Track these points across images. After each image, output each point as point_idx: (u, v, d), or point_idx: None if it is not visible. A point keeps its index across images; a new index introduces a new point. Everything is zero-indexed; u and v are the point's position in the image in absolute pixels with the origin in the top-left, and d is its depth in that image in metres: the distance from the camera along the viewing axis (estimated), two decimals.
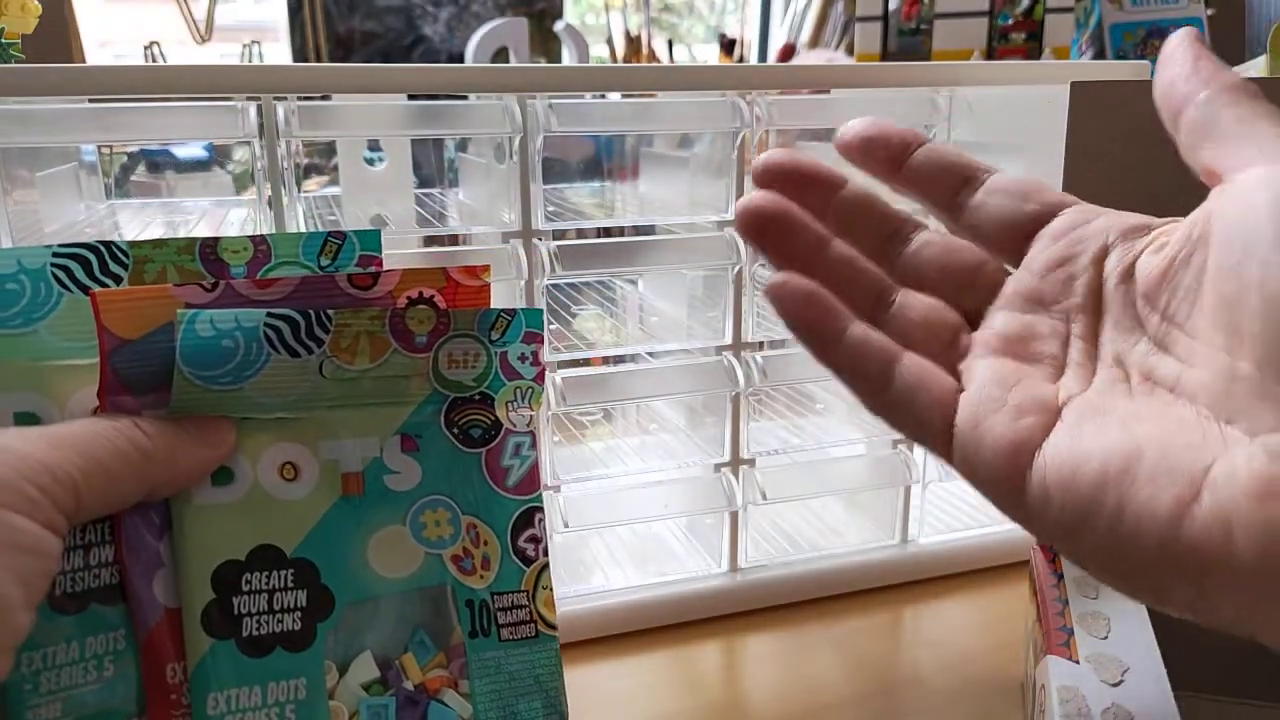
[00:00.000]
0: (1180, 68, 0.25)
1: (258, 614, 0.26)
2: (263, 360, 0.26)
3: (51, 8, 0.57)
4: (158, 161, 0.80)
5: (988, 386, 0.25)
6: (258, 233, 0.28)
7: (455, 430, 0.29)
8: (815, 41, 1.19)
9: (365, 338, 0.28)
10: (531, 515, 0.30)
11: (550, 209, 0.49)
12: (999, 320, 0.27)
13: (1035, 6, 0.97)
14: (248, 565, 0.26)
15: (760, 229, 0.29)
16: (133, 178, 0.78)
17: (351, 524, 0.28)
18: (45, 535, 0.21)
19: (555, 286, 0.48)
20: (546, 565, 0.30)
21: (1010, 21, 0.98)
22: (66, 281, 0.26)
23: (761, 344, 0.52)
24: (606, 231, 0.50)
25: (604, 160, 0.80)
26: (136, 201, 0.66)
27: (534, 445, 0.30)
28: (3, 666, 0.20)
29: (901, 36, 1.02)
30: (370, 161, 0.59)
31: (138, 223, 0.58)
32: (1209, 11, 0.94)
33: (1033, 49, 0.98)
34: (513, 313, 0.30)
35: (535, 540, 0.30)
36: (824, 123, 0.51)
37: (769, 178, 0.29)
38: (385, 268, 0.29)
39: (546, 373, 0.47)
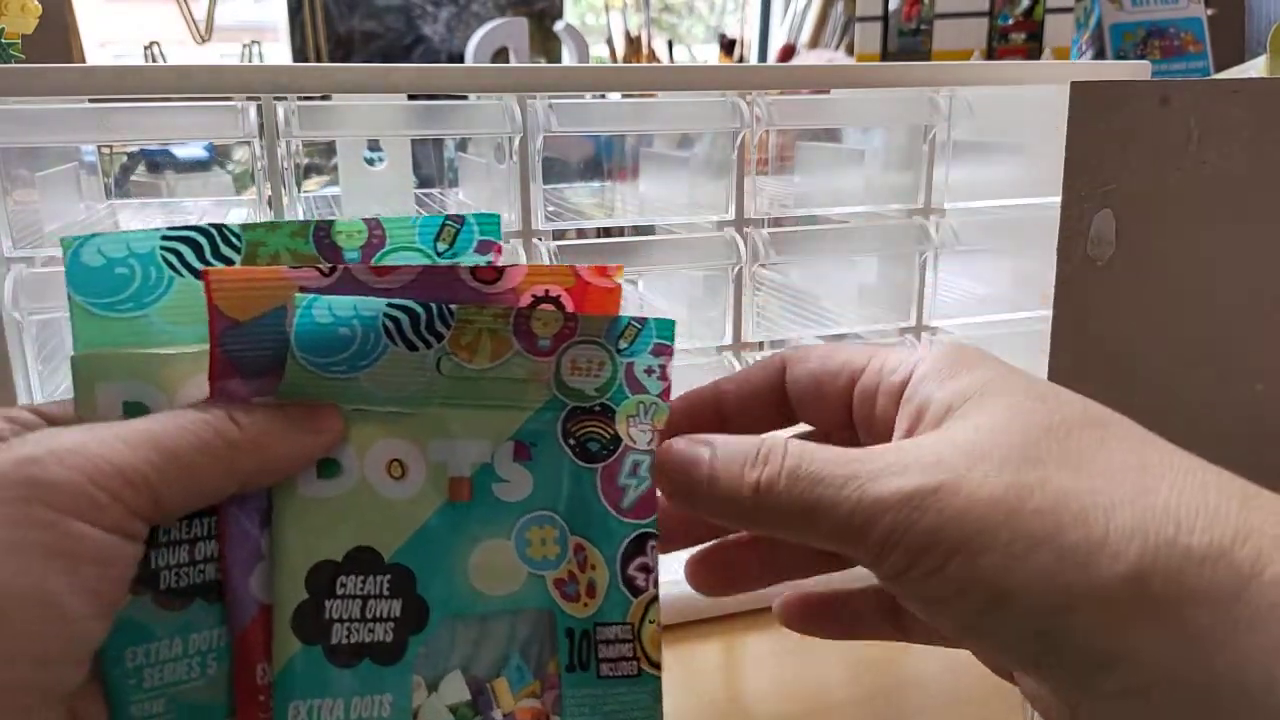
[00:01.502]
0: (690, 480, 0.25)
1: (349, 620, 0.24)
2: (380, 351, 0.25)
3: (51, 8, 0.57)
4: (158, 161, 0.80)
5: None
6: (374, 216, 0.27)
7: (571, 441, 0.27)
8: (815, 41, 1.19)
9: (487, 336, 0.26)
10: (644, 542, 0.27)
11: (550, 209, 0.49)
12: None
13: (1035, 7, 0.97)
14: (344, 567, 0.25)
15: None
16: (133, 178, 0.78)
17: (454, 533, 0.26)
18: (112, 541, 0.20)
19: None
20: (656, 598, 0.27)
21: (1010, 22, 0.98)
22: (178, 265, 0.25)
23: (761, 344, 0.52)
24: (606, 231, 0.50)
25: (604, 160, 0.80)
26: (136, 201, 0.66)
27: (653, 467, 0.28)
28: (75, 676, 0.20)
29: (901, 36, 1.02)
30: (370, 161, 0.59)
31: (137, 223, 0.58)
32: (1209, 11, 0.94)
33: (1033, 49, 0.98)
34: (643, 321, 0.27)
35: (646, 569, 0.27)
36: (824, 123, 0.51)
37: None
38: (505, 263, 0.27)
39: None
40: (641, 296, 0.63)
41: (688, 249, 0.49)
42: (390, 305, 0.25)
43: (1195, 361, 0.38)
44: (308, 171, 0.84)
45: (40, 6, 0.51)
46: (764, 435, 0.24)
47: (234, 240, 0.25)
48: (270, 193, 0.42)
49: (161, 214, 0.62)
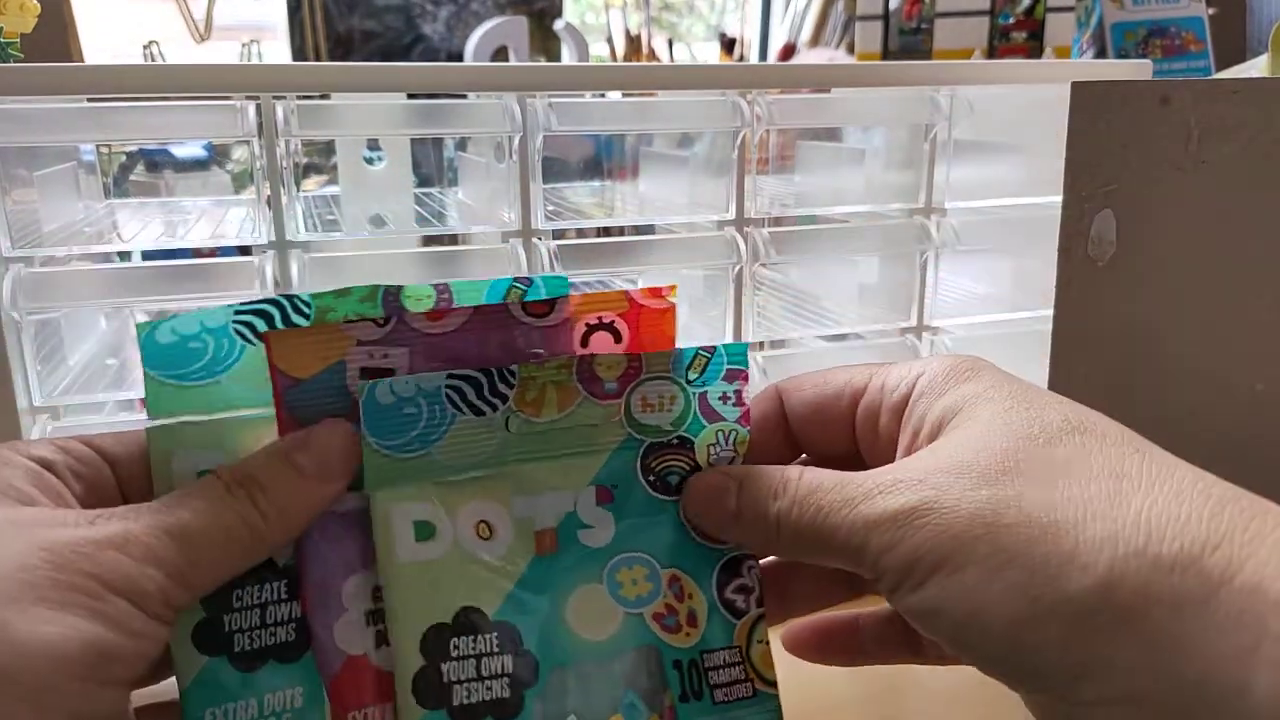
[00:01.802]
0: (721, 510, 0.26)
1: (467, 681, 0.25)
2: (448, 422, 0.25)
3: (51, 7, 0.57)
4: (156, 161, 0.80)
5: None
6: (441, 280, 0.27)
7: (652, 478, 0.27)
8: (816, 40, 1.19)
9: (552, 388, 0.26)
10: (739, 564, 0.28)
11: (550, 208, 0.49)
12: None
13: (1036, 5, 0.97)
14: (454, 629, 0.25)
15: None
16: (131, 177, 0.78)
17: (548, 585, 0.26)
18: (152, 626, 0.21)
19: None
20: (761, 617, 0.28)
21: (1011, 20, 0.98)
22: (249, 335, 0.25)
23: (762, 344, 0.52)
24: (606, 231, 0.50)
25: (604, 160, 0.80)
26: (135, 201, 0.66)
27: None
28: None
29: (902, 35, 1.02)
30: (370, 161, 0.59)
31: (136, 222, 0.58)
32: (1210, 11, 0.94)
33: (1034, 48, 0.98)
34: (712, 350, 0.27)
35: (745, 590, 0.28)
36: (824, 122, 0.51)
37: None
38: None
39: None
40: None
41: (688, 249, 0.49)
42: (450, 376, 0.25)
43: (1195, 361, 0.38)
44: (307, 171, 0.84)
45: (39, 6, 0.51)
46: (785, 466, 0.26)
47: (304, 308, 0.26)
48: (269, 192, 0.42)
49: (160, 213, 0.62)
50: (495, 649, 0.25)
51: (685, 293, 0.57)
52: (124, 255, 0.52)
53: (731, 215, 0.49)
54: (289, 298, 0.26)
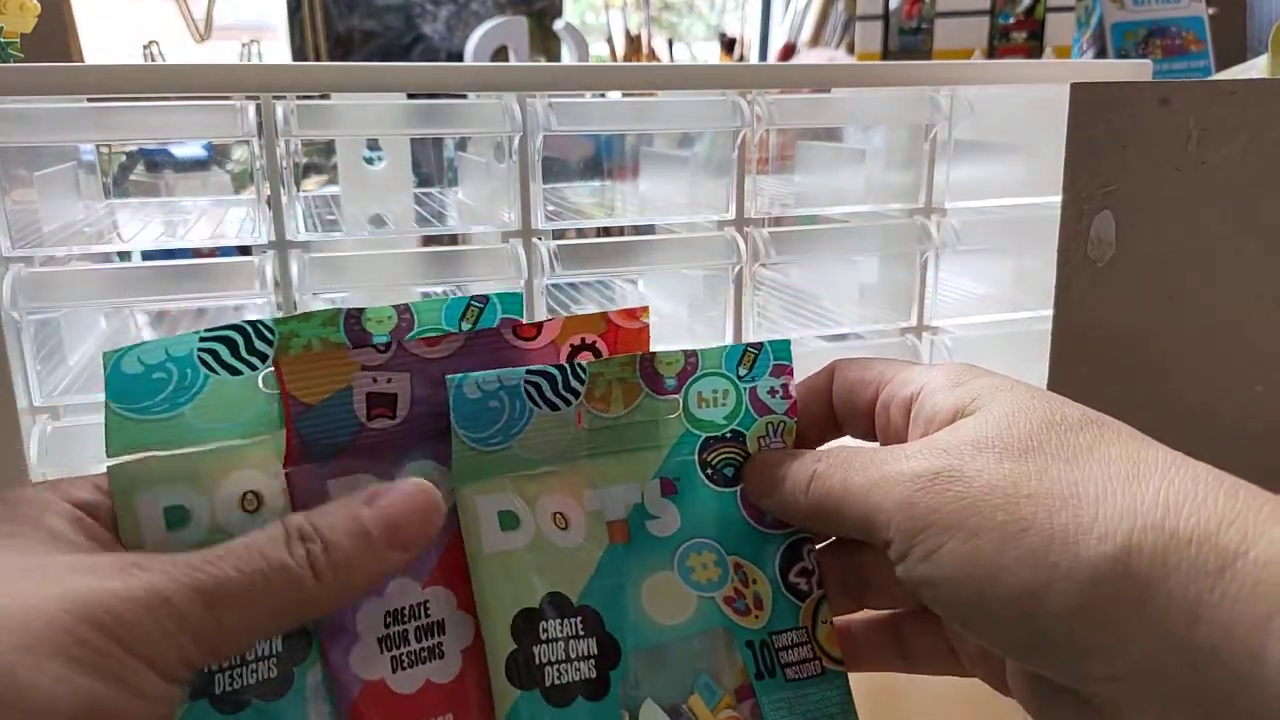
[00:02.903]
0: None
1: (558, 662, 0.26)
2: (527, 417, 0.27)
3: (51, 7, 0.57)
4: (156, 161, 0.80)
5: None
6: (401, 302, 0.28)
7: (709, 470, 0.29)
8: (816, 40, 1.19)
9: (617, 385, 0.28)
10: (799, 548, 0.29)
11: (550, 208, 0.49)
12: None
13: (1036, 5, 0.97)
14: (543, 613, 0.26)
15: None
16: (131, 177, 0.78)
17: (622, 572, 0.27)
18: (165, 687, 0.21)
19: (555, 286, 0.48)
20: (824, 598, 0.29)
21: (1011, 20, 0.98)
22: (212, 363, 0.25)
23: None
24: (606, 231, 0.50)
25: (604, 160, 0.80)
26: (135, 201, 0.66)
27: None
28: None
29: (902, 35, 1.02)
30: (369, 161, 0.59)
31: (136, 221, 0.58)
32: (1210, 11, 0.94)
33: (1034, 48, 0.98)
34: (759, 346, 0.29)
35: (807, 573, 0.29)
36: (824, 122, 0.51)
37: None
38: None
39: None
40: (642, 296, 0.63)
41: (688, 249, 0.49)
42: (530, 372, 0.27)
43: (1195, 362, 0.38)
44: (307, 171, 0.84)
45: (39, 5, 0.51)
46: (831, 442, 0.27)
47: (267, 334, 0.26)
48: (269, 192, 0.42)
49: (160, 213, 0.62)
50: (581, 632, 0.26)
51: (685, 293, 0.57)
52: (124, 255, 0.52)
53: (731, 215, 0.49)
54: (252, 324, 0.26)
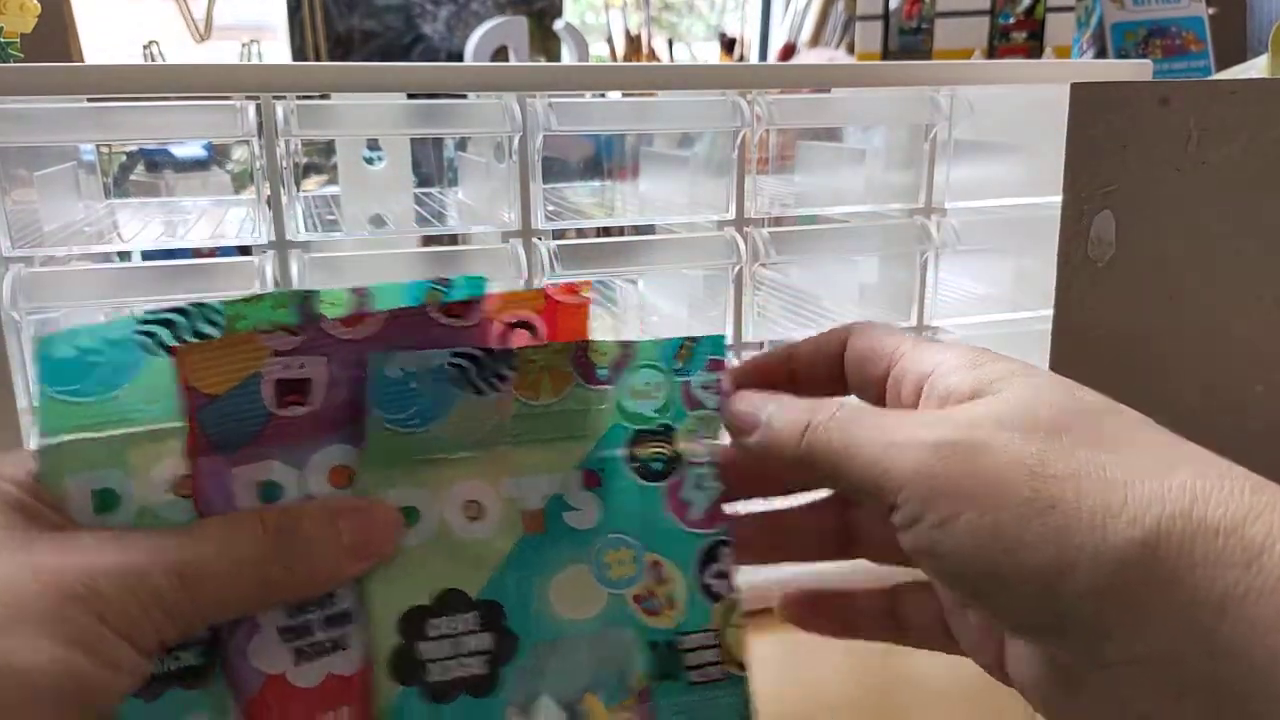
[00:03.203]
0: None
1: (443, 659, 0.25)
2: (450, 400, 0.26)
3: (51, 7, 0.57)
4: (156, 161, 0.80)
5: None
6: (359, 285, 0.27)
7: (637, 464, 0.28)
8: (816, 40, 1.19)
9: (548, 373, 0.27)
10: (717, 550, 0.29)
11: (550, 208, 0.49)
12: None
13: (1036, 5, 0.97)
14: (433, 610, 0.26)
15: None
16: (131, 177, 0.78)
17: (534, 564, 0.27)
18: (137, 660, 0.21)
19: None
20: (737, 602, 0.29)
21: (1011, 20, 0.98)
22: (152, 345, 0.25)
23: (762, 344, 0.52)
24: (606, 231, 0.50)
25: (604, 160, 0.80)
26: (135, 201, 0.66)
27: (717, 476, 0.29)
28: None
29: (902, 35, 1.02)
30: (369, 161, 0.59)
31: (136, 221, 0.58)
32: (1210, 11, 0.94)
33: (1034, 48, 0.98)
34: (696, 340, 0.29)
35: (723, 575, 0.28)
36: (824, 122, 0.51)
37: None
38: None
39: None
40: (642, 296, 0.63)
41: (688, 249, 0.49)
42: (455, 354, 0.26)
43: (1195, 362, 0.38)
44: (307, 171, 0.84)
45: (39, 6, 0.51)
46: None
47: (215, 317, 0.25)
48: (269, 192, 0.42)
49: (160, 213, 0.62)
50: (475, 627, 0.26)
51: (685, 293, 0.57)
52: (124, 255, 0.52)
53: (731, 215, 0.49)
54: (199, 305, 0.25)
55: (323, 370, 0.25)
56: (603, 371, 0.28)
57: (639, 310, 0.63)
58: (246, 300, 0.25)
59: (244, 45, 1.27)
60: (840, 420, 0.24)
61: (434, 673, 0.25)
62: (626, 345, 0.28)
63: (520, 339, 0.27)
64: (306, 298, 0.26)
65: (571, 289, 0.28)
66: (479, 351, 0.26)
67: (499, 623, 0.26)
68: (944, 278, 0.55)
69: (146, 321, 0.25)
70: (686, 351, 0.29)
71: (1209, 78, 0.83)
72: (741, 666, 0.28)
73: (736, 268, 0.49)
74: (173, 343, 0.25)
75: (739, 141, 0.48)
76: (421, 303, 0.27)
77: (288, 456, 0.25)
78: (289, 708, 0.25)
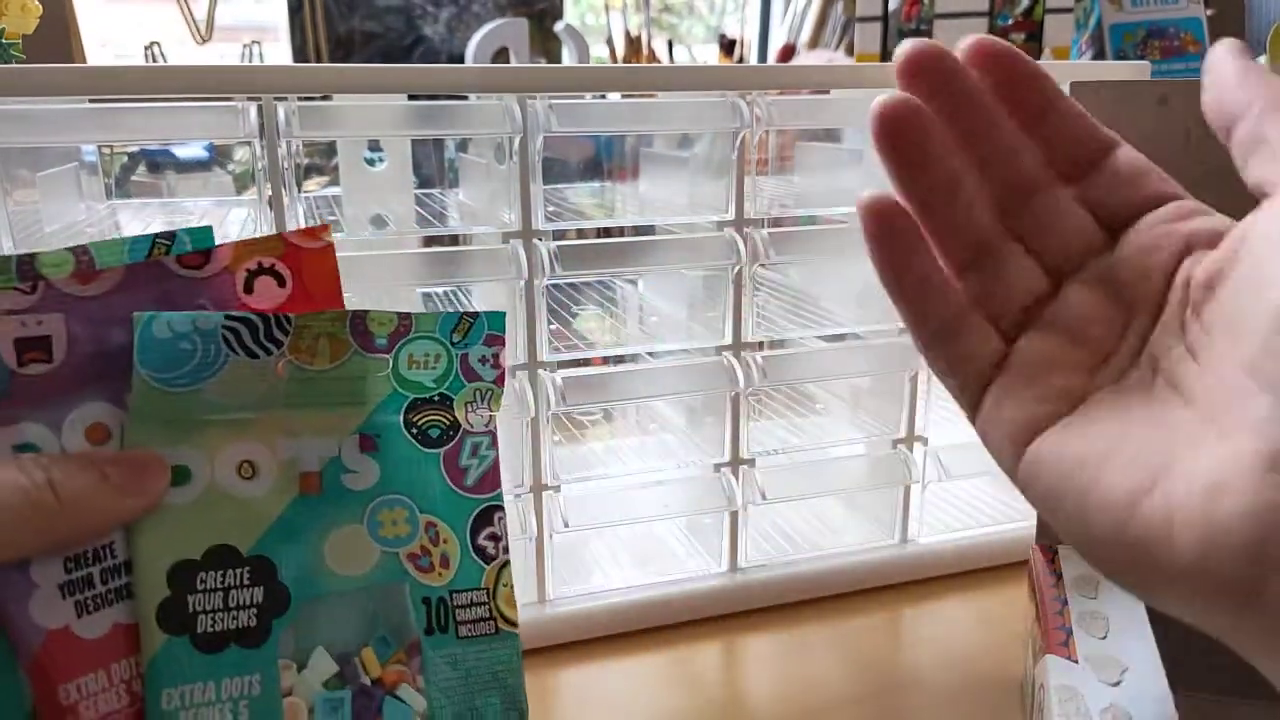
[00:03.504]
0: (1228, 80, 0.25)
1: (212, 611, 0.26)
2: (221, 361, 0.27)
3: (51, 8, 0.57)
4: (158, 162, 0.80)
5: (1026, 368, 0.27)
6: (80, 245, 0.27)
7: (414, 430, 0.29)
8: (815, 42, 1.19)
9: (325, 339, 0.28)
10: (491, 514, 0.30)
11: (550, 209, 0.49)
12: (1073, 297, 0.28)
13: (1035, 7, 0.97)
14: (203, 565, 0.26)
15: (894, 143, 0.28)
16: (133, 178, 0.78)
17: (309, 522, 0.28)
18: None
19: (555, 286, 0.48)
20: (507, 563, 0.30)
21: (1010, 22, 0.98)
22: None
23: (761, 344, 0.52)
24: (606, 231, 0.50)
25: (604, 160, 0.80)
26: (137, 201, 0.66)
27: (493, 445, 0.31)
28: None
29: (902, 37, 1.02)
30: (370, 162, 0.59)
31: (138, 222, 0.58)
32: (1209, 11, 0.94)
33: (1032, 49, 0.98)
34: (475, 315, 0.30)
35: (495, 538, 0.30)
36: (824, 123, 0.51)
37: (915, 77, 0.29)
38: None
39: (545, 373, 0.47)
40: (642, 296, 0.63)
41: (688, 249, 0.49)
42: (228, 318, 0.26)
43: None
44: (308, 172, 0.84)
45: (40, 6, 0.51)
46: None
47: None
48: (271, 193, 0.42)
49: (162, 214, 0.62)
50: (246, 582, 0.27)
51: (685, 293, 0.57)
52: None
53: (731, 216, 0.49)
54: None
55: (61, 327, 0.25)
56: (381, 340, 0.29)
57: (639, 310, 0.63)
58: None
59: (245, 46, 1.27)
60: None
61: (203, 623, 0.26)
62: (405, 316, 0.29)
63: (266, 287, 0.28)
64: (26, 260, 0.26)
65: (312, 233, 0.29)
66: (254, 316, 0.27)
67: (271, 578, 0.27)
68: None
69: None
70: (466, 326, 0.30)
71: None
72: (511, 623, 0.30)
73: (736, 268, 0.49)
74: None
75: (738, 142, 0.48)
76: (147, 258, 0.27)
77: (40, 416, 0.25)
78: (76, 659, 0.25)
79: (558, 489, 0.49)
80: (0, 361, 0.25)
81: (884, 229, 0.28)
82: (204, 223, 0.61)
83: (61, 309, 0.25)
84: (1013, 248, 0.28)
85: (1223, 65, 0.25)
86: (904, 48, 0.28)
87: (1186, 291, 0.25)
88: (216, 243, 0.28)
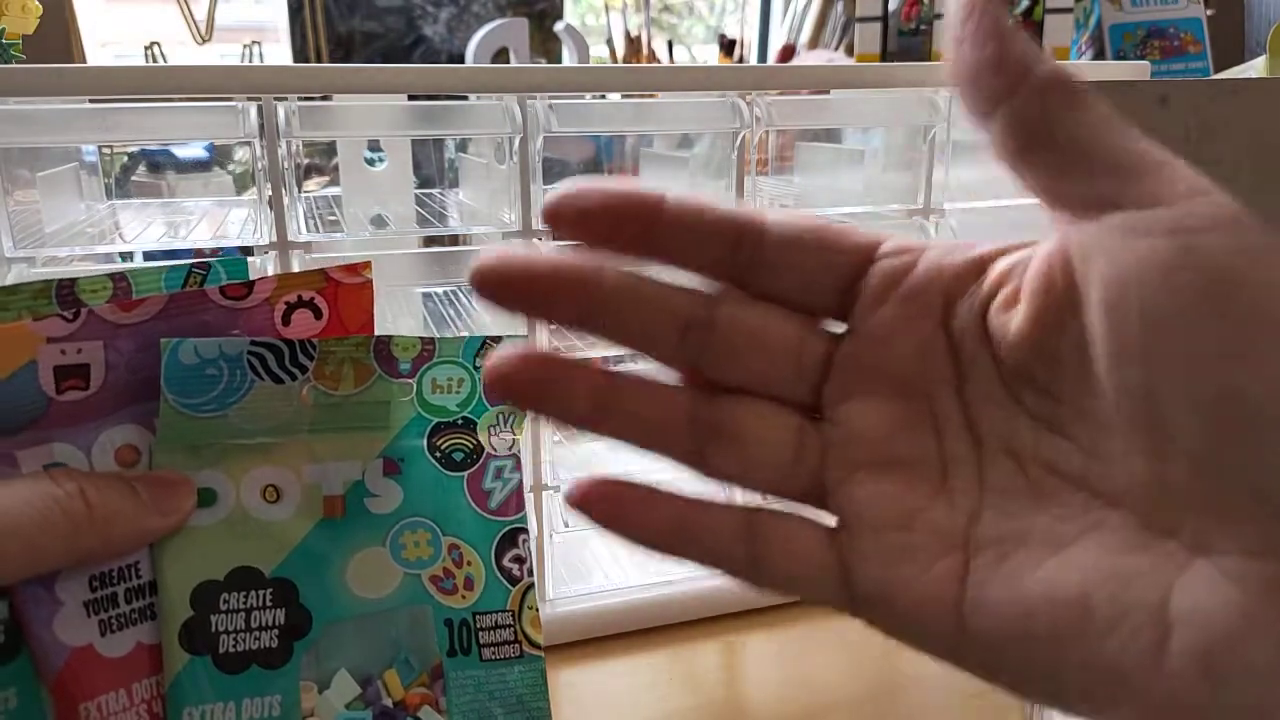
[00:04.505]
0: (984, 44, 0.19)
1: (234, 632, 0.26)
2: (247, 387, 0.27)
3: (52, 8, 0.57)
4: (158, 162, 0.80)
5: (880, 531, 0.20)
6: (119, 270, 0.27)
7: (438, 454, 0.29)
8: (815, 42, 1.19)
9: (349, 364, 0.28)
10: (515, 536, 0.30)
11: None
12: (853, 416, 0.21)
13: (1034, 7, 0.97)
14: (226, 585, 0.26)
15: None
16: (133, 178, 0.78)
17: (332, 546, 0.28)
18: None
19: None
20: (532, 585, 0.30)
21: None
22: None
23: None
24: None
25: (604, 160, 0.80)
26: (137, 201, 0.66)
27: (517, 468, 0.30)
28: None
29: (901, 37, 1.02)
30: (371, 162, 0.59)
31: (138, 222, 0.58)
32: (1209, 11, 0.94)
33: None
34: (499, 339, 0.30)
35: (520, 560, 0.30)
36: (824, 123, 0.51)
37: (567, 222, 0.22)
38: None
39: None
40: None
41: None
42: (254, 343, 0.26)
43: None
44: (308, 172, 0.84)
45: (40, 6, 0.51)
46: None
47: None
48: (271, 193, 0.42)
49: (162, 214, 0.62)
50: (269, 603, 0.27)
51: None
52: (126, 256, 0.52)
53: None
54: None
55: (100, 355, 0.26)
56: (405, 365, 0.29)
57: None
58: (4, 291, 0.26)
59: (245, 47, 1.27)
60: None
61: (224, 644, 0.26)
62: (429, 341, 0.29)
63: (303, 320, 0.28)
64: (66, 284, 0.26)
65: (353, 269, 0.29)
66: (279, 343, 0.27)
67: (293, 600, 0.27)
68: None
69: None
70: (489, 349, 0.30)
71: (1208, 78, 0.83)
72: (536, 646, 0.30)
73: None
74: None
75: (738, 143, 0.48)
76: (183, 287, 0.27)
77: (71, 437, 0.26)
78: (98, 678, 0.25)
79: (558, 489, 0.49)
80: (39, 388, 0.25)
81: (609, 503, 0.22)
82: (204, 222, 0.61)
83: (101, 337, 0.25)
84: (739, 410, 0.22)
85: (978, 23, 0.19)
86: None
87: (987, 351, 0.20)
88: (250, 276, 0.28)
